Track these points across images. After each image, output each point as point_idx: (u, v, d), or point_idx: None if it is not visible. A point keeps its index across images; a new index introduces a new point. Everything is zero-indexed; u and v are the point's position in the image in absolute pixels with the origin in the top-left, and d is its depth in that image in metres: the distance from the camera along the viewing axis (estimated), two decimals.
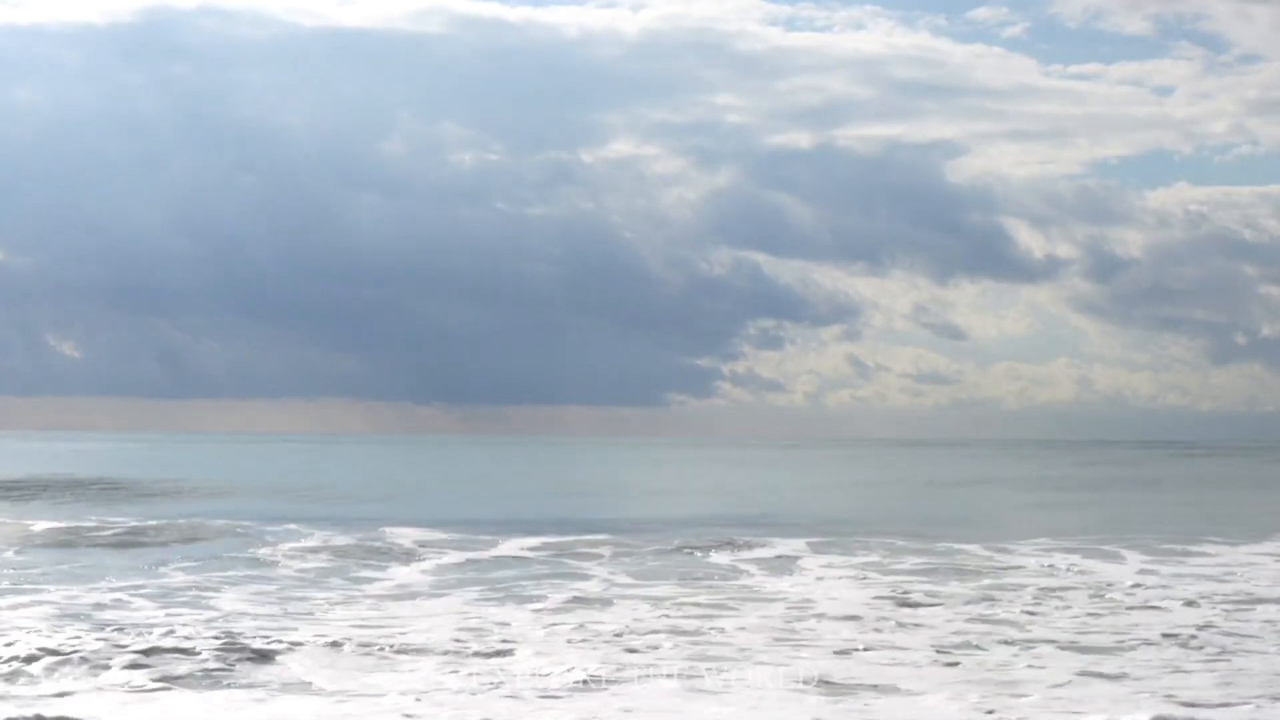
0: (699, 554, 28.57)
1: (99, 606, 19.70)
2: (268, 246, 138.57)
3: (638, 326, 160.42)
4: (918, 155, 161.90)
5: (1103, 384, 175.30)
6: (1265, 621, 18.91)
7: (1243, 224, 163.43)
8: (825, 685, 14.22)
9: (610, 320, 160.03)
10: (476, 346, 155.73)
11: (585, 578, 24.20)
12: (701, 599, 21.13)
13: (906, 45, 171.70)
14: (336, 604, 20.34)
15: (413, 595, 21.52)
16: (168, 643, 15.89)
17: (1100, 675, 14.93)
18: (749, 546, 29.86)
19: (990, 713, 12.97)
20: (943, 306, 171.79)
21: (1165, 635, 17.63)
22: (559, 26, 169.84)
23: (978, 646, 16.79)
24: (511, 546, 29.49)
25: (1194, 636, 17.52)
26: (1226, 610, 20.00)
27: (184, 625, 17.55)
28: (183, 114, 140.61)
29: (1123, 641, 17.22)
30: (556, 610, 19.84)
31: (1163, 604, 20.77)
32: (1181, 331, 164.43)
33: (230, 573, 24.25)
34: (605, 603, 20.73)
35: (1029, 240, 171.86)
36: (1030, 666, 15.49)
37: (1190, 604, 20.73)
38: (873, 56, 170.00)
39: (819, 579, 24.10)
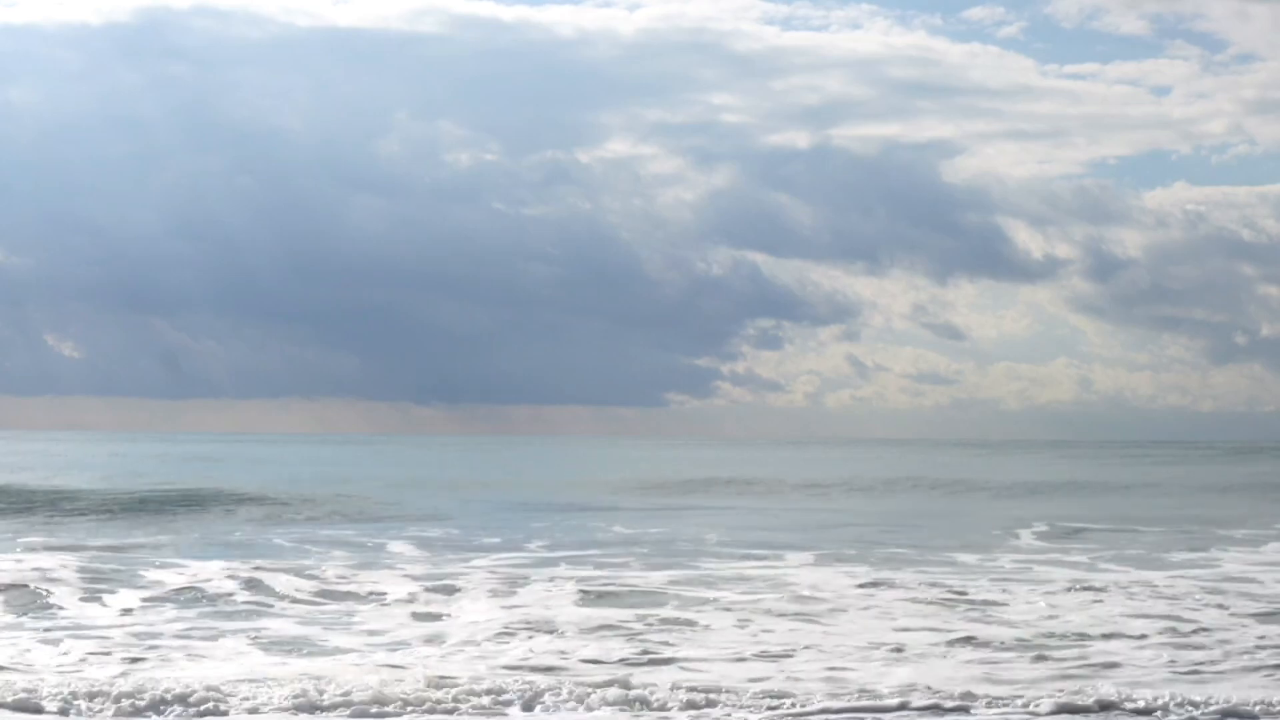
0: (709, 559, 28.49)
1: None
2: (266, 246, 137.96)
3: (636, 326, 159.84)
4: (915, 155, 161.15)
5: (1103, 384, 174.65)
6: None
7: (1241, 224, 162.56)
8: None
9: (608, 320, 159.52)
10: (475, 346, 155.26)
11: None
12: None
13: (903, 45, 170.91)
14: None
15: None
16: None
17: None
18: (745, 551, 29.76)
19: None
20: (942, 306, 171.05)
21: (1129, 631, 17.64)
22: (554, 26, 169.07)
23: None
24: None
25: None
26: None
27: None
28: (179, 114, 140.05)
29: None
30: None
31: (1136, 600, 20.72)
32: (1181, 331, 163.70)
33: None
34: None
35: (1027, 240, 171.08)
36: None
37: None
38: (869, 56, 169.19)
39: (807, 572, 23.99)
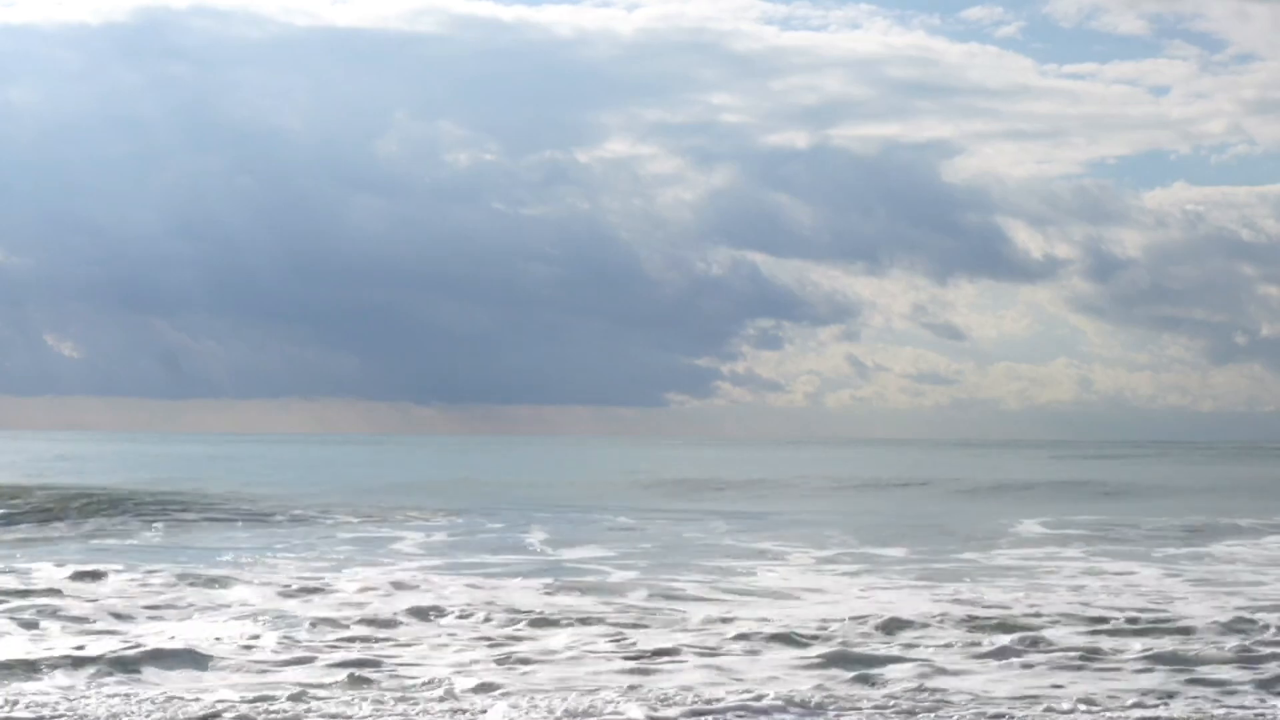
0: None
1: None
2: (266, 246, 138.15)
3: (636, 326, 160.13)
4: (914, 155, 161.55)
5: (1103, 384, 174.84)
6: None
7: (1240, 224, 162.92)
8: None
9: (608, 320, 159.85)
10: (475, 346, 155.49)
11: None
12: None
13: (902, 44, 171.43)
14: None
15: None
16: None
17: None
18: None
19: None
20: (941, 306, 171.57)
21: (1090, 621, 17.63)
22: (554, 26, 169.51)
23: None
24: None
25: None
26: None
27: None
28: (179, 114, 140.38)
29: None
30: None
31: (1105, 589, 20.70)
32: (1181, 331, 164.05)
33: None
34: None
35: (1027, 240, 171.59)
36: None
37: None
38: (868, 56, 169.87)
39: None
